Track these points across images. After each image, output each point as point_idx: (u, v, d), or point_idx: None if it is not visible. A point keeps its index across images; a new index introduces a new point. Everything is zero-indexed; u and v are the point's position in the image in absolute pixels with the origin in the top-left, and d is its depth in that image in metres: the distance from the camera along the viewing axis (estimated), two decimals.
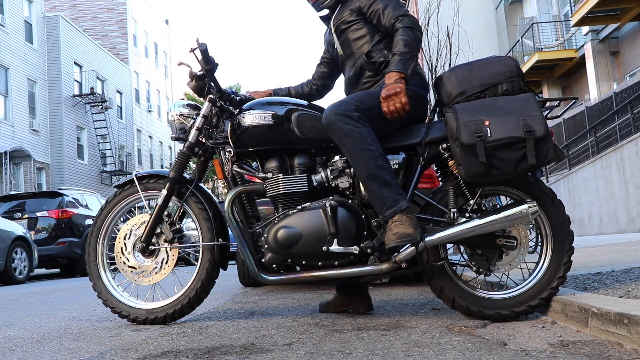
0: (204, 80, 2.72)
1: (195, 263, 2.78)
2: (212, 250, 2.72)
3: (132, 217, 2.88)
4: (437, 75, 2.61)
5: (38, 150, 21.31)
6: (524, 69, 17.30)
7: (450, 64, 9.40)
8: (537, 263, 2.46)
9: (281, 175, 2.60)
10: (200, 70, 2.70)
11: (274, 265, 2.55)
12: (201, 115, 2.74)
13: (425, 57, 9.68)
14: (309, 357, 1.85)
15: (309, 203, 2.54)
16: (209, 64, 2.64)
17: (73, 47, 24.22)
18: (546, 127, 2.26)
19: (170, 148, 36.20)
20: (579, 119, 15.40)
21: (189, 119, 2.79)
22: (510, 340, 1.99)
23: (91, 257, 2.85)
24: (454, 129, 2.30)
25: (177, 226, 2.80)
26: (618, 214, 11.01)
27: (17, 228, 8.78)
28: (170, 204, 2.81)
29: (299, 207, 2.53)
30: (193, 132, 2.74)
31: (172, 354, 1.99)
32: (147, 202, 2.86)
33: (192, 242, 3.12)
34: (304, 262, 2.52)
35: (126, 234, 2.81)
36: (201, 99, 2.77)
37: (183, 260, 8.16)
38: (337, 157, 2.60)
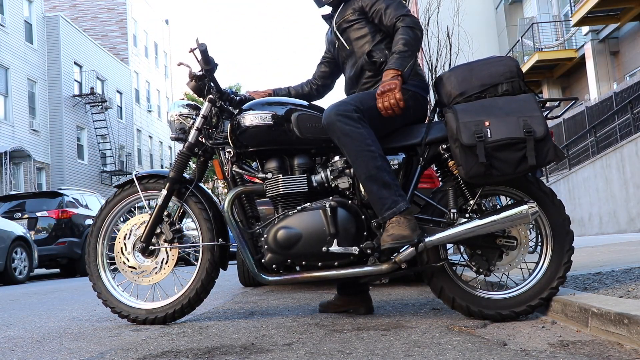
0: (204, 81, 2.72)
1: (195, 263, 2.78)
2: (212, 250, 2.72)
3: (132, 217, 2.88)
4: (437, 76, 2.61)
5: (38, 150, 21.31)
6: (524, 69, 17.30)
7: (450, 64, 9.39)
8: (537, 263, 2.46)
9: (281, 175, 2.60)
10: (200, 71, 2.70)
11: (273, 266, 2.55)
12: (201, 115, 2.74)
13: (425, 57, 9.68)
14: (309, 357, 1.85)
15: (308, 203, 2.54)
16: (208, 64, 2.64)
17: (73, 47, 24.22)
18: (546, 128, 2.26)
19: (170, 148, 36.20)
20: (579, 119, 15.40)
21: (189, 119, 2.79)
22: (510, 340, 1.99)
23: (91, 257, 2.85)
24: (454, 130, 2.30)
25: (177, 226, 2.80)
26: (618, 214, 11.01)
27: (17, 228, 8.78)
28: (170, 204, 2.81)
29: (299, 208, 2.53)
30: (193, 132, 2.74)
31: (172, 354, 1.99)
32: (147, 202, 2.86)
33: (192, 242, 3.12)
34: (303, 262, 2.52)
35: (126, 234, 2.81)
36: (201, 99, 2.77)
37: (183, 260, 8.16)
38: (337, 158, 2.60)
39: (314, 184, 2.60)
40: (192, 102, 2.86)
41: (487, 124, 2.26)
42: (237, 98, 2.82)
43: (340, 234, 2.46)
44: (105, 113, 25.75)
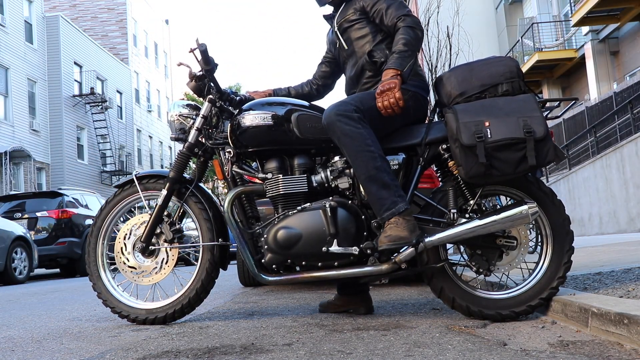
0: (204, 81, 2.72)
1: (195, 263, 2.78)
2: (212, 250, 2.72)
3: (132, 217, 2.88)
4: (437, 76, 2.61)
5: (38, 150, 21.31)
6: (524, 69, 17.30)
7: (450, 64, 9.39)
8: (537, 263, 2.46)
9: (281, 175, 2.60)
10: (200, 71, 2.70)
11: (273, 266, 2.55)
12: (201, 115, 2.74)
13: (425, 57, 9.67)
14: (309, 357, 1.85)
15: (308, 204, 2.54)
16: (208, 65, 2.64)
17: (73, 47, 24.22)
18: (546, 128, 2.26)
19: (170, 148, 36.20)
20: (579, 119, 15.40)
21: (189, 120, 2.79)
22: (510, 340, 1.99)
23: (91, 257, 2.85)
24: (454, 130, 2.30)
25: (177, 226, 2.80)
26: (618, 214, 11.01)
27: (17, 228, 8.78)
28: (170, 204, 2.81)
29: (299, 208, 2.53)
30: (193, 132, 2.74)
31: (172, 354, 1.99)
32: (147, 202, 2.86)
33: (192, 242, 3.12)
34: (303, 262, 2.52)
35: (126, 234, 2.81)
36: (201, 99, 2.77)
37: (183, 260, 8.16)
38: (337, 158, 2.60)
39: (314, 184, 2.60)
40: (192, 102, 2.86)
41: (487, 124, 2.26)
42: (237, 98, 2.82)
43: (340, 234, 2.46)
44: (105, 113, 25.75)
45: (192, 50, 2.61)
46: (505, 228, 2.39)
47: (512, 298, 2.42)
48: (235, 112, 2.68)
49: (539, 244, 2.50)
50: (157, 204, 2.76)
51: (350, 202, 2.52)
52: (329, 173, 2.60)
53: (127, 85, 29.89)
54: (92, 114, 25.42)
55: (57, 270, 11.40)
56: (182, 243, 2.86)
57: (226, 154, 2.70)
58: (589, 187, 12.39)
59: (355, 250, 2.45)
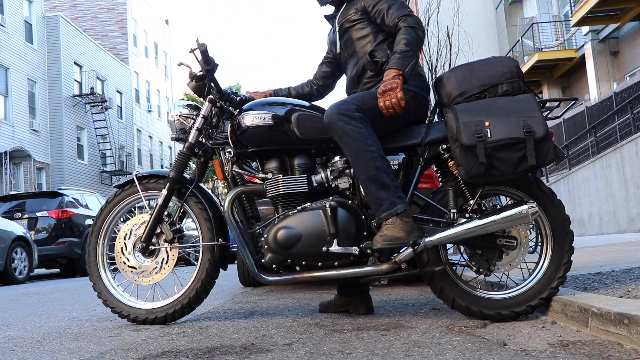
0: (204, 81, 2.72)
1: (195, 263, 2.78)
2: (212, 250, 2.72)
3: (132, 217, 2.88)
4: (437, 76, 2.62)
5: (38, 150, 21.31)
6: (524, 69, 17.30)
7: (450, 64, 9.39)
8: (537, 263, 2.46)
9: (281, 175, 2.61)
10: (200, 71, 2.70)
11: (273, 266, 2.55)
12: (201, 115, 2.74)
13: (425, 57, 9.68)
14: (309, 357, 1.85)
15: (308, 203, 2.54)
16: (208, 65, 2.65)
17: (73, 47, 24.22)
18: (546, 128, 2.26)
19: (170, 148, 36.20)
20: (579, 119, 15.41)
21: (189, 120, 2.80)
22: (510, 340, 1.99)
23: (91, 257, 2.85)
24: (454, 130, 2.30)
25: (177, 226, 2.80)
26: (618, 214, 11.01)
27: (17, 228, 8.78)
28: (171, 204, 2.81)
29: (299, 208, 2.53)
30: (193, 132, 2.74)
31: (172, 354, 1.99)
32: (147, 202, 2.86)
33: (192, 242, 3.12)
34: (303, 262, 2.52)
35: (126, 234, 2.81)
36: (201, 99, 2.77)
37: (183, 260, 8.16)
38: (337, 158, 2.60)
39: (314, 184, 2.61)
40: (193, 103, 2.86)
41: (487, 124, 2.26)
42: (238, 99, 2.82)
43: (340, 234, 2.46)
44: (105, 113, 25.75)
45: (192, 51, 2.61)
46: (505, 228, 2.39)
47: (512, 298, 2.42)
48: (236, 112, 2.68)
49: (539, 244, 2.50)
50: (157, 204, 2.76)
51: (350, 202, 2.52)
52: (329, 173, 2.60)
53: (127, 85, 29.89)
54: (92, 114, 25.42)
55: (57, 270, 11.40)
56: (182, 243, 2.86)
57: (226, 154, 2.70)
58: (589, 187, 12.40)
59: (355, 250, 2.45)
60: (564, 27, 18.73)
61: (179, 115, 2.81)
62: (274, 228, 2.53)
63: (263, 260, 2.56)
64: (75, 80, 24.56)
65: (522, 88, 2.41)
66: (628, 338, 1.75)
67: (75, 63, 24.51)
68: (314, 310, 3.04)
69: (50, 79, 22.63)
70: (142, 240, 2.76)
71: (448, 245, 2.58)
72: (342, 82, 3.02)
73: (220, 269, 2.79)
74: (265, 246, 2.54)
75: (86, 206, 10.86)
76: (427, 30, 9.23)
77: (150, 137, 33.55)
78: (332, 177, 2.59)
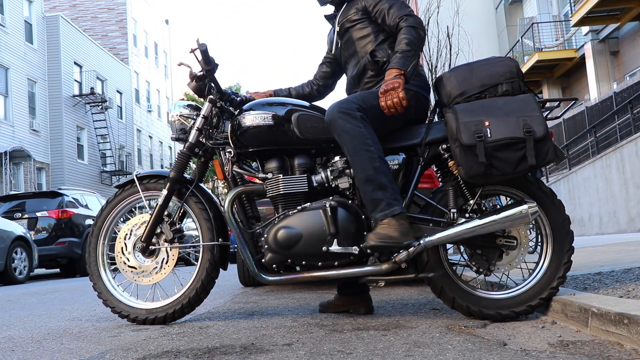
0: (204, 81, 2.72)
1: (195, 263, 2.78)
2: (212, 250, 2.72)
3: (132, 217, 2.88)
4: (437, 76, 2.62)
5: (38, 150, 21.31)
6: (524, 69, 17.31)
7: (450, 64, 9.40)
8: (537, 263, 2.46)
9: (281, 175, 2.61)
10: (201, 71, 2.70)
11: (274, 266, 2.55)
12: (201, 115, 2.74)
13: (425, 57, 9.68)
14: (309, 357, 1.85)
15: (309, 203, 2.54)
16: (209, 65, 2.65)
17: (73, 47, 24.22)
18: (546, 128, 2.26)
19: (170, 148, 36.20)
20: (579, 119, 15.41)
21: (190, 120, 2.80)
22: (510, 340, 1.99)
23: (92, 257, 2.85)
24: (453, 130, 2.30)
25: (178, 226, 2.80)
26: (618, 214, 11.01)
27: (17, 228, 8.78)
28: (171, 204, 2.81)
29: (299, 208, 2.53)
30: (193, 132, 2.75)
31: (172, 354, 1.99)
32: (147, 202, 2.86)
33: (192, 242, 3.12)
34: (304, 262, 2.52)
35: (126, 234, 2.81)
36: (201, 99, 2.77)
37: (183, 260, 8.16)
38: (337, 158, 2.60)
39: (314, 184, 2.61)
40: (193, 103, 2.86)
41: (486, 123, 2.26)
42: (238, 99, 2.83)
43: (341, 234, 2.46)
44: (105, 113, 25.75)
45: (192, 51, 2.61)
46: (505, 228, 2.39)
47: (512, 298, 2.43)
48: (236, 112, 2.69)
49: (539, 244, 2.50)
50: (157, 204, 2.76)
51: (350, 202, 2.52)
52: (329, 173, 2.60)
53: (127, 85, 29.89)
54: (92, 114, 25.43)
55: (57, 270, 11.40)
56: (182, 243, 2.86)
57: (226, 154, 2.70)
58: (589, 187, 12.40)
59: (355, 249, 2.45)
60: (564, 27, 18.73)
61: (180, 116, 2.81)
62: (274, 228, 2.53)
63: (263, 260, 2.56)
64: (75, 80, 24.57)
65: (522, 88, 2.42)
66: (628, 338, 1.75)
67: (75, 63, 24.51)
68: (314, 310, 3.04)
69: (50, 79, 22.63)
70: (142, 240, 2.76)
71: (448, 245, 2.58)
72: (342, 82, 3.02)
73: (221, 269, 2.79)
74: (266, 246, 2.54)
75: (86, 206, 10.87)
76: (427, 30, 9.22)
77: (150, 137, 33.55)
78: (332, 177, 2.59)
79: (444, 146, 2.48)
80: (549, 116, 2.45)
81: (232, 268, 6.14)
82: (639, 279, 2.76)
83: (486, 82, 2.42)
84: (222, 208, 2.72)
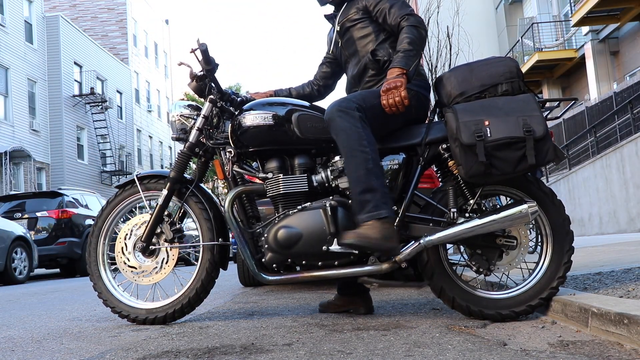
0: (205, 81, 2.72)
1: (195, 263, 2.78)
2: (212, 250, 2.72)
3: (132, 217, 2.89)
4: (437, 76, 2.62)
5: (38, 150, 21.31)
6: (524, 69, 17.31)
7: (450, 64, 9.40)
8: (537, 263, 2.46)
9: (281, 175, 2.61)
10: (201, 71, 2.70)
11: (274, 265, 2.55)
12: (202, 115, 2.74)
13: (425, 57, 9.68)
14: (309, 357, 1.85)
15: (309, 203, 2.54)
16: (209, 65, 2.65)
17: (73, 47, 24.22)
18: (546, 128, 2.26)
19: (170, 148, 36.20)
20: (579, 119, 15.41)
21: (190, 120, 2.80)
22: (510, 340, 1.99)
23: (92, 257, 2.85)
24: (453, 129, 2.30)
25: (178, 226, 2.80)
26: (618, 214, 11.01)
27: (17, 228, 8.78)
28: (171, 204, 2.81)
29: (299, 207, 2.53)
30: (194, 132, 2.75)
31: (172, 354, 1.99)
32: (147, 202, 2.86)
33: (192, 242, 3.12)
34: (304, 262, 2.52)
35: (127, 234, 2.81)
36: (202, 99, 2.77)
37: (183, 260, 8.16)
38: (337, 158, 2.60)
39: (315, 183, 2.61)
40: (193, 103, 2.86)
41: (486, 123, 2.26)
42: (238, 99, 2.82)
43: (341, 234, 2.46)
44: (105, 113, 25.75)
45: (193, 51, 2.61)
46: (505, 227, 2.39)
47: (512, 298, 2.43)
48: (236, 112, 2.69)
49: (539, 244, 2.50)
50: (157, 204, 2.76)
51: (350, 201, 2.52)
52: (329, 173, 2.60)
53: (127, 85, 29.89)
54: (92, 114, 25.43)
55: (57, 270, 11.40)
56: (183, 243, 2.86)
57: (227, 153, 2.70)
58: (589, 187, 12.40)
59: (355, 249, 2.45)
60: (564, 27, 18.73)
61: (180, 115, 2.81)
62: (274, 227, 2.53)
63: (263, 260, 2.56)
64: (75, 80, 24.57)
65: (522, 88, 2.42)
66: (628, 338, 1.75)
67: (75, 63, 24.51)
68: (314, 310, 3.04)
69: (50, 79, 22.63)
70: (142, 240, 2.77)
71: (448, 245, 2.58)
72: (342, 82, 3.02)
73: (221, 269, 2.79)
74: (266, 246, 2.54)
75: (86, 206, 10.87)
76: (427, 30, 9.24)
77: (150, 137, 33.55)
78: (332, 176, 2.59)
79: (444, 146, 2.48)
80: (548, 116, 2.45)
81: (232, 268, 6.14)
82: (639, 279, 2.76)
83: (486, 82, 2.42)
84: (222, 208, 2.73)
